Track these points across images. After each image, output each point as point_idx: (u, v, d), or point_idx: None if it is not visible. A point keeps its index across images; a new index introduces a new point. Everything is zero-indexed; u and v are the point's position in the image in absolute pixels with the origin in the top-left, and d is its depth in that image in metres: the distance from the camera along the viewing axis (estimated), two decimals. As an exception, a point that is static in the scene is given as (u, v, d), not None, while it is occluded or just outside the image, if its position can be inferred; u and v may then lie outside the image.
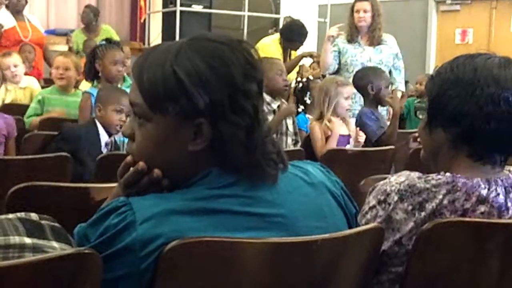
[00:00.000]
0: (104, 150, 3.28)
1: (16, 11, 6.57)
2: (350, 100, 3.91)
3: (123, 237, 1.11)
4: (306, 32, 5.99)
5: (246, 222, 1.16)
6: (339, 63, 4.95)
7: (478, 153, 1.42)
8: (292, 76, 6.00)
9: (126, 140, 3.97)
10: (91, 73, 4.01)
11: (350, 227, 1.34)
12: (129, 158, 1.26)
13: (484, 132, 1.39)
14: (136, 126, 1.23)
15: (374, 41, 4.92)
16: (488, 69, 1.39)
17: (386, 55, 4.92)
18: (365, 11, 4.92)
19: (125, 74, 4.27)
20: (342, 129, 3.83)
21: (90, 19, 7.55)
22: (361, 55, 4.89)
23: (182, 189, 1.19)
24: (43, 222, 1.10)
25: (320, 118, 3.83)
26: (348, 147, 3.77)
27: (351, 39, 4.96)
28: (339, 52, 4.94)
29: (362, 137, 3.82)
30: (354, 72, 4.60)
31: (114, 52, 4.02)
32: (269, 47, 5.89)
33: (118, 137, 3.43)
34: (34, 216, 1.11)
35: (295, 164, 1.31)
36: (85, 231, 1.17)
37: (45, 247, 1.06)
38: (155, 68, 1.19)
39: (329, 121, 3.74)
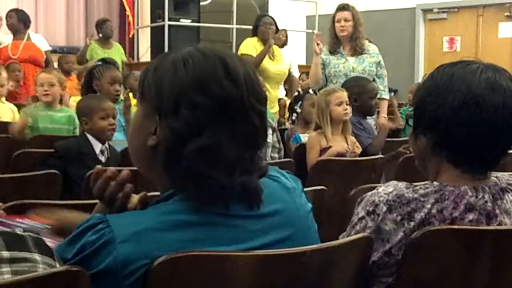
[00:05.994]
0: (102, 158, 3.30)
1: (14, 31, 6.70)
2: (346, 105, 3.81)
3: (103, 256, 1.10)
4: (264, 15, 6.08)
5: (227, 234, 1.16)
6: (324, 75, 4.97)
7: (456, 159, 1.42)
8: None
9: (118, 139, 4.01)
10: (89, 93, 4.02)
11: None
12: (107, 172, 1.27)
13: (459, 137, 1.39)
14: None
15: (357, 50, 4.93)
16: (462, 75, 1.40)
17: (368, 64, 4.92)
18: (346, 20, 4.93)
19: None
20: (341, 145, 3.78)
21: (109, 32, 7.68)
22: (343, 66, 4.89)
23: (155, 203, 1.20)
24: (25, 234, 1.09)
25: (317, 128, 3.83)
26: None
27: (333, 50, 4.97)
28: (323, 64, 4.96)
29: (359, 149, 3.81)
30: (338, 83, 4.63)
31: (111, 72, 4.09)
32: (247, 44, 5.92)
33: (112, 142, 3.46)
34: (18, 230, 1.10)
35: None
36: (63, 249, 1.16)
37: (26, 259, 1.04)
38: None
39: (328, 136, 3.74)
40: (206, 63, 1.19)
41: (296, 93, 4.94)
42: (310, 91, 4.95)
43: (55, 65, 7.23)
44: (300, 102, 4.76)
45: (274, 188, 1.26)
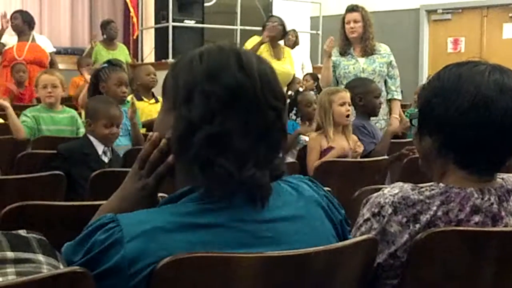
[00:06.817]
0: (105, 159, 3.31)
1: (19, 32, 6.72)
2: (348, 106, 3.81)
3: (111, 254, 1.10)
4: (273, 15, 6.14)
5: (237, 238, 1.15)
6: (335, 77, 4.95)
7: (463, 161, 1.41)
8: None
9: (123, 144, 4.01)
10: (95, 95, 4.03)
11: (338, 236, 1.32)
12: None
13: (466, 139, 1.38)
14: None
15: (367, 51, 4.90)
16: (471, 76, 1.38)
17: (379, 64, 4.89)
18: (355, 22, 4.91)
19: None
20: (343, 143, 3.78)
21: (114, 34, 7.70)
22: (353, 67, 4.87)
23: (170, 201, 1.20)
24: (29, 235, 1.09)
25: (319, 129, 3.82)
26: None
27: (343, 52, 4.95)
28: (334, 66, 4.92)
29: (360, 147, 3.80)
30: None
31: (117, 73, 4.10)
32: (250, 41, 5.96)
33: (116, 146, 3.48)
34: (22, 232, 1.10)
35: (286, 179, 1.30)
36: (72, 248, 1.16)
37: (30, 260, 1.04)
38: None
39: (330, 136, 3.72)
40: (221, 55, 1.21)
41: (288, 99, 4.87)
42: (300, 89, 4.92)
43: (60, 66, 7.26)
44: (295, 109, 4.73)
45: (289, 195, 1.26)
